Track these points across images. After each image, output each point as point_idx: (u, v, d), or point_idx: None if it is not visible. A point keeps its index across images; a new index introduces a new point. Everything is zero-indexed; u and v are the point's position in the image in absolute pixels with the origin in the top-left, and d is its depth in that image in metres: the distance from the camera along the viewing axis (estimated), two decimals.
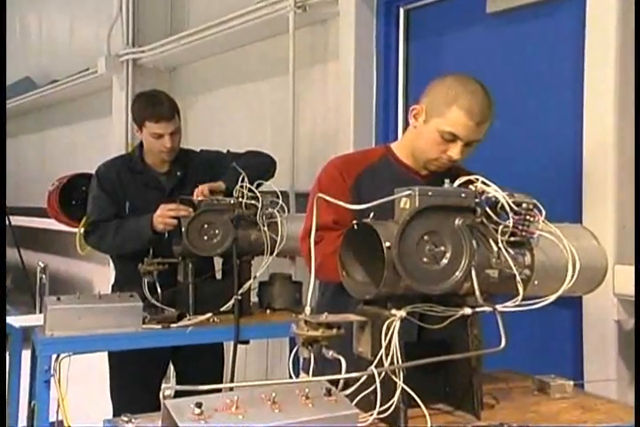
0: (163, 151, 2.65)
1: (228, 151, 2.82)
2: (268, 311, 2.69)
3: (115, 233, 2.61)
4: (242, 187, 2.53)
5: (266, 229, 2.52)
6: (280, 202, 2.57)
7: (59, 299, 2.26)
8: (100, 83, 5.10)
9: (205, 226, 2.48)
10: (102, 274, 5.16)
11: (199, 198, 2.51)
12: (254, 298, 2.71)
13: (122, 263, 2.76)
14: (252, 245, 2.55)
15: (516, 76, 2.55)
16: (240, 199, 2.51)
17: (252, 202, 2.52)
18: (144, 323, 2.33)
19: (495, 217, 1.39)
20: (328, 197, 1.42)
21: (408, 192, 1.35)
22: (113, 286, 2.83)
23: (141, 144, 2.74)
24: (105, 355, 2.72)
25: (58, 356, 2.21)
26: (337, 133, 3.18)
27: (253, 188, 2.53)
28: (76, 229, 4.27)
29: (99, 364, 2.77)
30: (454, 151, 1.73)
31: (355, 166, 1.84)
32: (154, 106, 2.61)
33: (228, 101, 4.16)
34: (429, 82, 1.78)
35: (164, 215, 2.51)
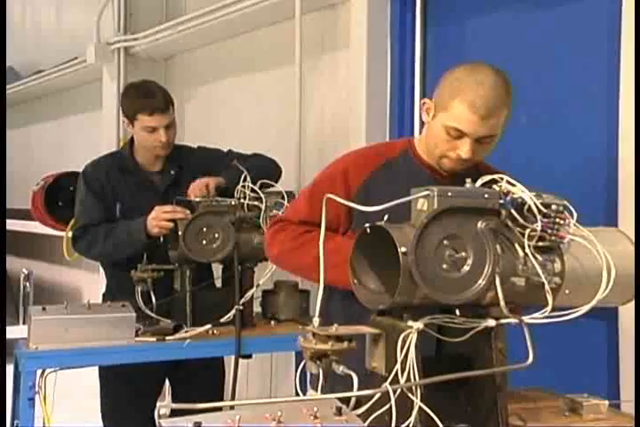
0: (157, 146, 2.65)
1: (229, 150, 2.83)
2: (272, 323, 2.69)
3: (105, 238, 2.61)
4: (244, 187, 2.53)
5: None
6: (285, 203, 2.58)
7: (44, 309, 2.28)
8: (89, 73, 5.13)
9: (204, 229, 2.49)
10: (92, 282, 5.18)
11: (198, 198, 2.50)
12: (257, 308, 2.71)
13: (113, 270, 2.76)
14: (255, 250, 2.55)
15: (545, 67, 2.54)
16: (242, 200, 2.52)
17: (255, 203, 2.53)
18: (137, 335, 2.34)
19: (522, 220, 1.38)
20: (339, 199, 1.42)
21: (426, 192, 1.34)
22: (104, 294, 2.84)
23: (132, 141, 2.75)
24: (95, 370, 2.73)
25: (43, 371, 2.22)
26: (348, 128, 3.18)
27: (256, 188, 2.54)
28: (62, 233, 4.29)
29: (88, 380, 2.78)
30: (463, 149, 1.72)
31: (368, 164, 1.84)
32: (146, 97, 2.61)
33: (228, 94, 4.17)
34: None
35: (159, 218, 2.51)
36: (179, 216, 2.50)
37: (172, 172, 2.70)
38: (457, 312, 1.37)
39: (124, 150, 2.79)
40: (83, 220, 2.68)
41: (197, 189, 2.54)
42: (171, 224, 2.51)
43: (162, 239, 2.56)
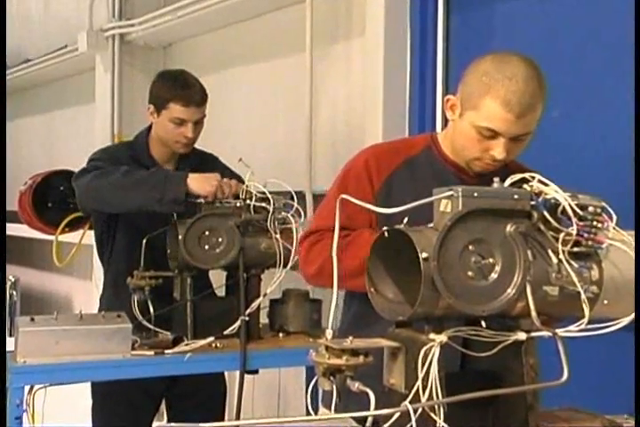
0: (179, 141, 2.66)
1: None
2: (280, 335, 2.69)
3: (126, 172, 2.50)
4: (249, 186, 2.54)
5: (278, 236, 2.53)
6: (295, 204, 2.58)
7: (32, 320, 2.28)
8: (80, 63, 5.16)
9: (206, 233, 2.49)
10: (84, 290, 5.20)
11: (227, 198, 2.48)
12: (264, 319, 2.71)
13: (115, 273, 2.73)
14: (262, 255, 2.56)
15: (581, 58, 2.53)
16: (247, 201, 2.52)
17: (262, 204, 2.53)
18: (133, 348, 2.35)
19: (555, 223, 1.38)
20: (353, 199, 1.42)
21: (449, 193, 1.34)
22: (101, 299, 2.84)
23: (148, 131, 2.75)
24: (87, 386, 2.75)
25: (31, 387, 2.23)
26: (363, 123, 3.18)
27: (263, 187, 2.55)
28: (52, 237, 4.31)
29: (80, 397, 2.80)
30: (497, 150, 1.72)
31: (390, 159, 1.85)
32: (184, 87, 2.63)
33: (231, 86, 4.18)
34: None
35: (226, 183, 2.47)
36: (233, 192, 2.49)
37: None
38: (483, 324, 1.37)
39: (137, 142, 2.78)
40: (101, 154, 2.64)
41: (233, 187, 2.51)
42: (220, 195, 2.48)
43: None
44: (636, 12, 2.02)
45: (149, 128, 2.76)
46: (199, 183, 2.48)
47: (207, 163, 2.81)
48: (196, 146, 2.79)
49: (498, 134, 1.71)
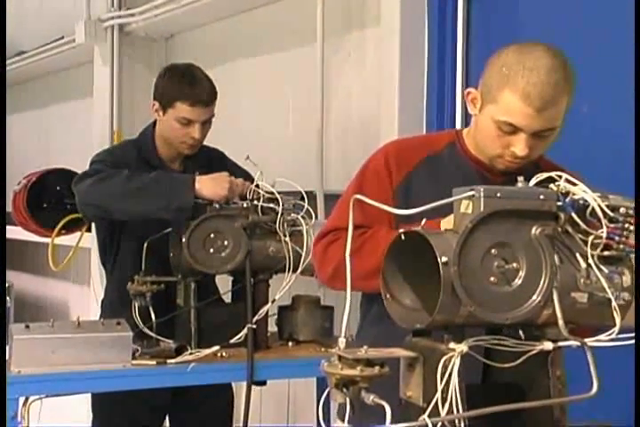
0: (185, 142, 2.66)
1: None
2: (290, 344, 2.70)
3: (129, 177, 2.49)
4: (257, 186, 2.54)
5: (287, 239, 2.54)
6: (306, 205, 2.58)
7: (27, 327, 2.30)
8: (78, 55, 5.18)
9: (211, 235, 2.50)
10: (81, 296, 5.22)
11: (237, 200, 2.49)
12: (273, 327, 2.72)
13: (119, 278, 2.71)
14: (271, 259, 2.56)
15: (612, 47, 2.52)
16: (255, 202, 2.53)
17: (271, 205, 2.53)
18: (134, 358, 2.35)
19: (584, 225, 1.38)
20: (366, 199, 1.43)
21: (470, 193, 1.34)
22: (103, 305, 2.84)
23: (153, 128, 2.75)
24: (86, 398, 2.76)
25: (27, 399, 2.24)
26: (378, 119, 3.18)
27: (272, 187, 2.55)
28: (48, 240, 4.33)
29: (77, 409, 2.81)
30: (518, 146, 1.72)
31: (412, 155, 1.86)
32: (192, 85, 2.63)
33: (238, 78, 4.18)
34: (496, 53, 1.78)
35: (239, 183, 2.48)
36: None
37: (197, 174, 2.62)
38: (507, 333, 1.37)
39: (143, 140, 2.78)
40: (104, 156, 2.63)
41: (241, 186, 2.52)
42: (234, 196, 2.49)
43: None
44: (636, 12, 2.01)
45: (154, 124, 2.76)
46: (210, 187, 2.47)
47: (215, 161, 2.81)
48: (206, 141, 2.80)
49: (518, 129, 1.70)
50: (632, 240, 1.39)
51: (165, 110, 2.65)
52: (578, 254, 1.38)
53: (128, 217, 2.59)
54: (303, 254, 2.51)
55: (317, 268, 1.87)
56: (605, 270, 1.38)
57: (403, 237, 1.37)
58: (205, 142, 2.79)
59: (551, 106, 1.67)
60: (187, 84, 2.63)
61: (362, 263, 1.66)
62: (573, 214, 1.38)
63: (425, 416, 1.28)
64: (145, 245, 2.55)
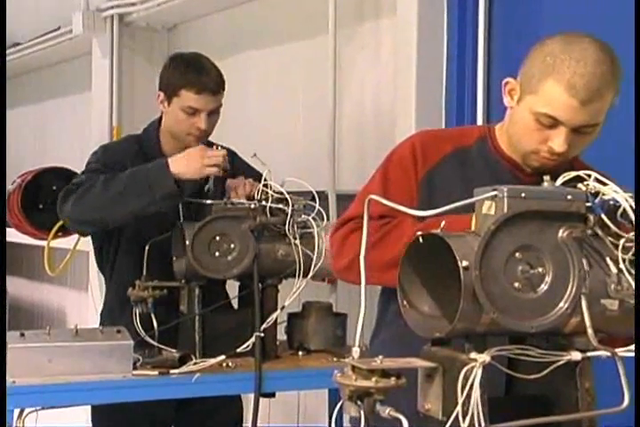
0: (191, 133, 2.67)
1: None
2: (300, 354, 2.70)
3: (105, 185, 2.52)
4: (265, 186, 2.55)
5: (297, 242, 2.53)
6: (317, 206, 2.58)
7: (22, 335, 2.30)
8: (75, 46, 5.20)
9: (217, 238, 2.50)
10: (79, 302, 5.24)
11: (243, 200, 2.49)
12: (282, 335, 2.72)
13: (119, 284, 2.72)
14: (279, 263, 2.56)
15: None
16: (263, 202, 2.53)
17: (280, 206, 2.54)
18: (135, 368, 2.36)
19: (614, 227, 1.38)
20: (382, 199, 1.43)
21: (493, 192, 1.35)
22: (102, 313, 2.86)
23: (158, 123, 2.77)
24: (84, 410, 2.76)
25: (22, 411, 2.24)
26: (393, 114, 3.18)
27: (280, 187, 2.55)
28: (43, 242, 4.34)
29: (75, 422, 2.81)
30: (557, 141, 1.72)
31: (439, 147, 1.86)
32: (198, 72, 2.64)
33: (245, 70, 4.19)
34: (521, 43, 1.78)
35: (212, 155, 2.47)
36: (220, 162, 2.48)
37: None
38: (532, 342, 1.37)
39: (146, 135, 2.80)
40: (83, 178, 2.63)
41: (247, 187, 2.51)
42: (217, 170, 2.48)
43: (208, 188, 2.52)
44: (636, 12, 2.00)
45: (160, 119, 2.77)
46: (183, 166, 2.47)
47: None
48: (210, 139, 2.81)
49: (559, 123, 1.70)
50: None
51: (170, 100, 2.66)
52: (608, 259, 1.38)
53: (124, 222, 2.62)
54: (314, 258, 2.51)
55: (334, 257, 1.88)
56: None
57: (421, 239, 1.37)
58: (210, 139, 2.80)
59: (597, 99, 1.67)
60: (192, 72, 2.64)
61: (382, 254, 1.68)
62: (603, 216, 1.38)
63: None
64: (146, 247, 2.55)
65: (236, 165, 2.73)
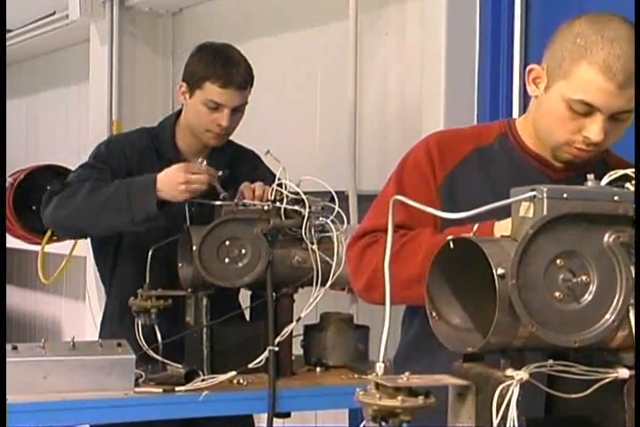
0: (210, 131, 2.68)
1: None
2: (317, 370, 2.70)
3: (88, 194, 2.57)
4: (280, 186, 2.55)
5: (315, 247, 2.54)
6: (336, 208, 2.59)
7: (15, 348, 2.32)
8: (71, 33, 5.22)
9: (227, 243, 2.51)
10: (76, 312, 5.25)
11: (256, 202, 2.51)
12: (298, 350, 2.73)
13: (120, 294, 2.73)
14: (295, 270, 2.57)
15: None
16: (277, 204, 2.54)
17: (296, 208, 2.54)
18: (137, 385, 2.37)
19: None
20: (409, 200, 1.43)
21: (532, 193, 1.34)
22: (102, 325, 2.87)
23: (177, 116, 2.78)
24: None
25: None
26: (419, 108, 3.18)
27: (297, 187, 2.56)
28: (37, 247, 4.37)
29: None
30: (593, 130, 1.71)
31: (457, 147, 1.87)
32: (226, 65, 2.66)
33: (257, 59, 4.17)
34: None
35: (191, 180, 2.50)
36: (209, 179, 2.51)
37: (221, 172, 2.62)
38: (574, 358, 1.37)
39: (161, 128, 2.82)
40: (71, 178, 2.68)
41: (258, 190, 2.53)
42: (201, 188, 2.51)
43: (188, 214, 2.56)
44: (636, 12, 2.00)
45: (179, 113, 2.79)
46: (165, 184, 2.51)
47: (245, 161, 2.83)
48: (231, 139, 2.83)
49: (595, 110, 1.70)
50: None
51: (193, 92, 2.68)
52: None
53: (104, 235, 2.69)
54: (333, 265, 2.52)
55: (352, 275, 1.88)
56: None
57: (452, 245, 1.37)
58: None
59: (632, 82, 1.67)
60: (220, 64, 2.66)
61: (400, 270, 1.66)
62: None
63: None
64: (149, 252, 2.56)
65: (257, 172, 2.74)
